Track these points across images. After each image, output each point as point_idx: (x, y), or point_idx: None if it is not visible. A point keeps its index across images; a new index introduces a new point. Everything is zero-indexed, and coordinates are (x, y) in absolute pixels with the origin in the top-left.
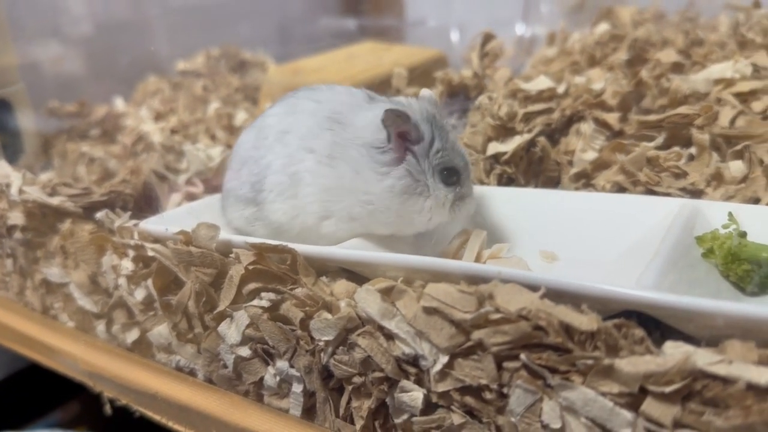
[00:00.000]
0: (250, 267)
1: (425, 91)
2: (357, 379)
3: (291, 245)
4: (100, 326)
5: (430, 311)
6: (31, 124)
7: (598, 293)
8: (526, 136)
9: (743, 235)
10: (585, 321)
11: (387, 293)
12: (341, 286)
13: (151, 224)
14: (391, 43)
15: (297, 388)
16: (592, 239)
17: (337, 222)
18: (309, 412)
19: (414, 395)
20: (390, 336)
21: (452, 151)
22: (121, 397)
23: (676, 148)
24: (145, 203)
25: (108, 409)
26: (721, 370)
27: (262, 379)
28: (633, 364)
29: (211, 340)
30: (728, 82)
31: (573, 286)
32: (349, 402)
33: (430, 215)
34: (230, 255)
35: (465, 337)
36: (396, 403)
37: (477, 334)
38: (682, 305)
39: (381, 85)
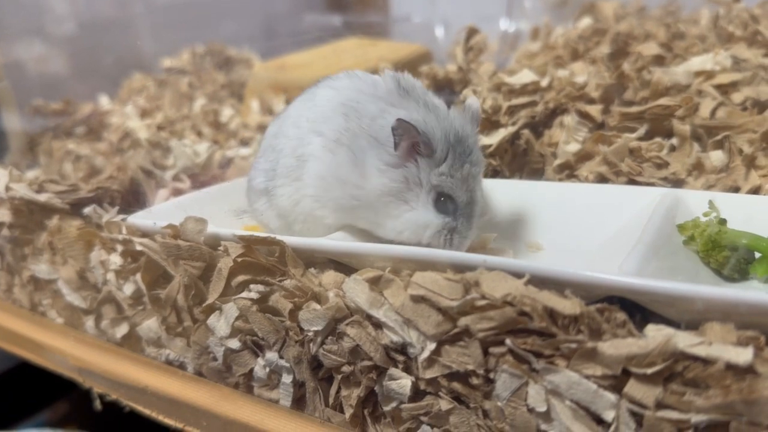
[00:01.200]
0: (239, 259)
1: (473, 101)
2: (346, 368)
3: (279, 237)
4: (89, 322)
5: (417, 299)
6: (16, 123)
7: (582, 279)
8: (511, 129)
9: (723, 222)
10: (568, 305)
11: (375, 283)
12: (330, 276)
13: (139, 219)
14: (376, 39)
15: (287, 378)
16: (576, 228)
17: (329, 210)
18: (299, 403)
19: (402, 383)
20: (378, 325)
21: (461, 181)
22: (111, 392)
23: (658, 139)
24: (133, 199)
25: (98, 405)
26: (702, 351)
27: (251, 370)
28: (615, 347)
29: (200, 333)
30: (709, 74)
31: (557, 273)
32: (338, 391)
33: (403, 228)
34: (218, 248)
35: (452, 324)
36: (385, 391)
37: (463, 321)
38: (663, 290)
39: None
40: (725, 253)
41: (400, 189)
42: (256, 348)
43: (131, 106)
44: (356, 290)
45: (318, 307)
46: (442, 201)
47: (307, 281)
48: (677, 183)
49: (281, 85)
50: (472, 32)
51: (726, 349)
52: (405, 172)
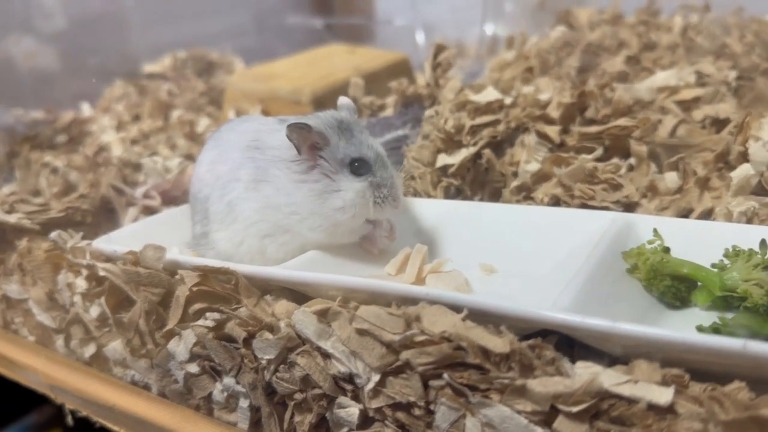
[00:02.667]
0: (194, 288)
1: (343, 99)
2: (298, 396)
3: (233, 266)
4: (60, 341)
5: (362, 332)
6: None
7: (514, 314)
8: (472, 149)
9: (666, 250)
10: (499, 343)
11: (323, 315)
12: (282, 306)
13: (103, 243)
14: (360, 42)
15: (244, 403)
16: (529, 252)
17: (276, 238)
18: (256, 426)
19: (351, 411)
20: (327, 355)
21: (360, 145)
22: (82, 408)
23: (615, 160)
24: (104, 218)
25: (70, 421)
26: (626, 390)
27: (210, 394)
28: (543, 385)
29: (162, 356)
30: (672, 90)
31: (492, 307)
32: (292, 417)
33: (353, 210)
34: (176, 276)
35: (395, 357)
36: (335, 419)
37: (405, 355)
38: (587, 327)
39: (342, 90)
40: (666, 282)
41: (325, 184)
42: (214, 373)
43: (108, 117)
44: (305, 322)
45: (270, 336)
46: (356, 166)
47: (260, 310)
48: (630, 206)
49: (257, 94)
50: (439, 49)
51: (649, 388)
52: (320, 170)
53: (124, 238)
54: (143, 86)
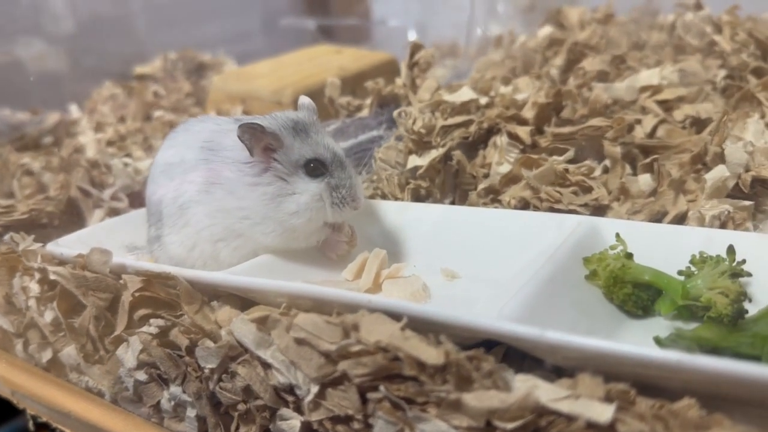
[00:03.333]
0: (137, 294)
1: (303, 99)
2: (241, 407)
3: (176, 270)
4: (19, 346)
5: (300, 341)
6: None
7: (456, 323)
8: (441, 150)
9: (629, 256)
10: (433, 354)
11: (262, 323)
12: (225, 313)
13: (57, 246)
14: (357, 43)
15: (191, 412)
16: (493, 257)
17: (228, 242)
18: None
19: (292, 423)
20: (267, 365)
21: (315, 145)
22: (41, 414)
23: (588, 162)
24: (69, 220)
25: (31, 426)
26: (564, 406)
27: (159, 402)
28: (479, 399)
29: (112, 363)
30: (655, 89)
31: (433, 315)
32: (238, 428)
33: (309, 214)
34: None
35: (333, 368)
36: (277, 430)
37: (342, 366)
38: (515, 335)
39: (324, 90)
40: (626, 290)
41: (278, 187)
42: (162, 381)
43: (86, 119)
44: (243, 330)
45: (212, 344)
46: (312, 167)
47: (202, 318)
48: (601, 210)
49: (240, 95)
50: (416, 48)
51: (589, 405)
52: (273, 172)
53: (82, 241)
54: (132, 87)
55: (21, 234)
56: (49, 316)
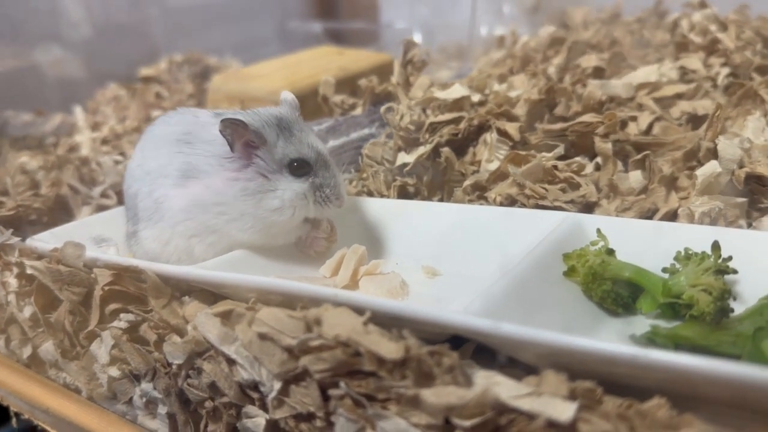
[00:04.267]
0: (107, 288)
1: (286, 94)
2: (208, 404)
3: (143, 264)
4: (1, 341)
5: (263, 336)
6: None
7: (412, 316)
8: (428, 147)
9: (610, 252)
10: (392, 349)
11: (227, 317)
12: (193, 308)
13: (35, 241)
14: (364, 46)
15: (162, 409)
16: (475, 254)
17: (203, 238)
18: None
19: (257, 421)
20: (232, 361)
21: (300, 144)
22: (23, 411)
23: (578, 158)
24: (58, 217)
25: (14, 423)
26: (524, 404)
27: (132, 399)
28: (437, 395)
29: (87, 359)
30: (654, 86)
31: (395, 309)
32: (206, 425)
33: (292, 211)
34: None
35: (295, 364)
36: (243, 429)
37: (303, 361)
38: (472, 328)
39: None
40: (605, 287)
41: (259, 183)
42: (134, 377)
43: (83, 118)
44: (207, 325)
45: (178, 340)
46: (296, 166)
47: (169, 312)
48: (589, 207)
49: (238, 96)
50: (409, 46)
51: (551, 402)
52: (254, 168)
53: (58, 237)
54: (135, 89)
55: (0, 228)
56: (28, 311)
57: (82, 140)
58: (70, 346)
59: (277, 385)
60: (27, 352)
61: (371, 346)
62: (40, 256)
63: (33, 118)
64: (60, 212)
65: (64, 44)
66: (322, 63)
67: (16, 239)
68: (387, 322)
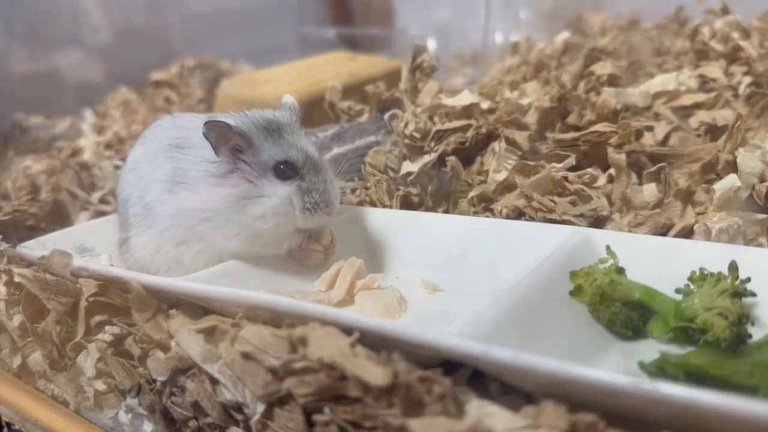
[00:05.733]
0: (91, 299)
1: (287, 98)
2: (192, 423)
3: (127, 274)
4: None
5: (246, 356)
6: None
7: (405, 338)
8: (433, 155)
9: (620, 271)
10: (379, 374)
11: (210, 334)
12: (178, 322)
13: (25, 249)
14: (378, 52)
15: (147, 426)
16: (479, 269)
17: (190, 245)
18: None
19: None
20: (215, 380)
21: (287, 147)
22: (14, 421)
23: (590, 170)
24: (55, 222)
25: None
26: None
27: (117, 414)
28: (425, 426)
29: (74, 371)
30: (672, 95)
31: (383, 329)
32: None
33: (276, 219)
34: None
35: (279, 386)
36: None
37: (287, 383)
38: (461, 351)
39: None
40: (614, 308)
41: (245, 189)
42: (119, 392)
43: (88, 121)
44: (190, 342)
45: (162, 355)
46: (282, 169)
47: (153, 326)
48: (599, 221)
49: (247, 101)
50: (419, 50)
51: None
52: (240, 174)
53: (60, 241)
54: (146, 93)
55: None
56: (17, 320)
57: (85, 144)
58: (58, 357)
59: (260, 408)
60: (17, 361)
61: (356, 371)
62: (28, 264)
63: (42, 120)
64: (58, 218)
65: (83, 48)
66: (333, 68)
67: (4, 245)
68: (378, 343)
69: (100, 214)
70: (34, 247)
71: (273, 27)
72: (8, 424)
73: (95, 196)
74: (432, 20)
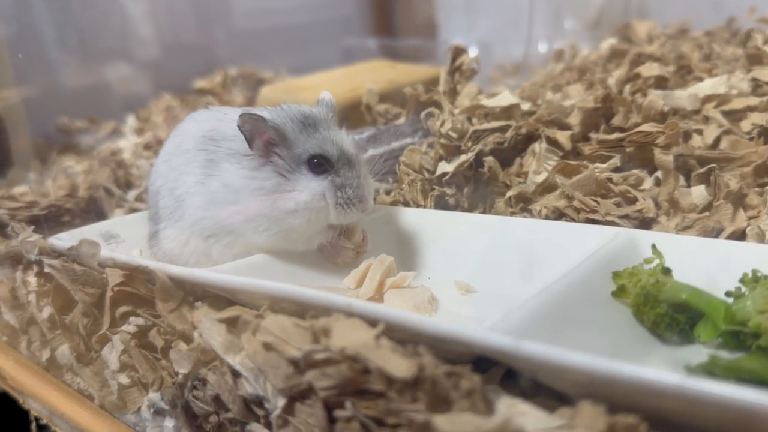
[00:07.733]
0: (116, 289)
1: (324, 94)
2: (213, 419)
3: (152, 264)
4: (23, 342)
5: (267, 347)
6: (25, 139)
7: (431, 331)
8: (470, 155)
9: (666, 272)
10: (403, 367)
11: (233, 324)
12: (202, 313)
13: (56, 239)
14: (421, 62)
15: (169, 422)
16: (513, 270)
17: (219, 238)
18: None
19: None
20: (237, 373)
21: (322, 141)
22: (41, 415)
23: (636, 171)
24: (90, 218)
25: (34, 429)
26: None
27: (140, 409)
28: (451, 423)
29: (99, 364)
30: (722, 99)
31: (404, 321)
32: None
33: (308, 214)
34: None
35: (301, 378)
36: None
37: (308, 375)
38: (490, 345)
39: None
40: (659, 310)
41: (276, 183)
42: (143, 385)
43: (128, 123)
44: (212, 332)
45: (184, 346)
46: (315, 163)
47: (177, 317)
48: (645, 223)
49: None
50: (458, 52)
51: None
52: (272, 168)
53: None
54: (188, 99)
55: (21, 224)
56: (46, 312)
57: (125, 145)
58: (84, 349)
59: (281, 402)
60: (46, 354)
61: (380, 363)
62: (58, 255)
63: (86, 125)
64: (93, 214)
65: (132, 62)
66: (373, 75)
67: (36, 236)
68: (406, 338)
69: (135, 211)
70: (66, 239)
71: (317, 43)
72: (36, 419)
73: (131, 194)
74: (475, 31)
